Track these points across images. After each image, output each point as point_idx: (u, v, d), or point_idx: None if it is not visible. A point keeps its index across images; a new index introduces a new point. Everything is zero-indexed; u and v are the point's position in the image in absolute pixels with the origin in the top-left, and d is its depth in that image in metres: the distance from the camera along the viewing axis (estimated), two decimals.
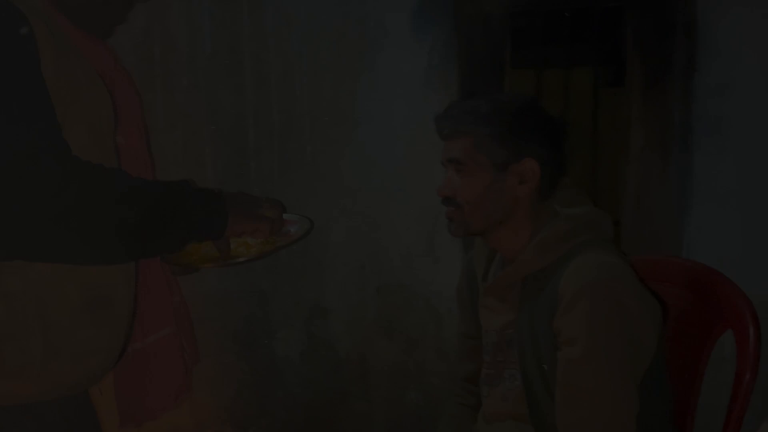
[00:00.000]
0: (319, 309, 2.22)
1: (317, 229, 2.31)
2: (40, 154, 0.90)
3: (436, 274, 2.14)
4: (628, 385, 1.25)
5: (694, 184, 1.93)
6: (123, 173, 1.05)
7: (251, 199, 1.13)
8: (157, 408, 1.25)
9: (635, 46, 2.04)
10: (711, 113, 1.89)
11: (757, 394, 1.32)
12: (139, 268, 1.16)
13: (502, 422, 1.42)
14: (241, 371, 2.30)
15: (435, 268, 2.14)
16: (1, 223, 0.89)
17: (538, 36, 2.24)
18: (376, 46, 2.09)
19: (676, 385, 1.57)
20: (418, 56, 2.07)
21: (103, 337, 1.06)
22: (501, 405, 1.43)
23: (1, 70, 0.91)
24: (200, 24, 2.17)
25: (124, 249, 0.99)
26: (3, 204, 0.88)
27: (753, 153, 1.86)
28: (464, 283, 1.60)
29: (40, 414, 1.02)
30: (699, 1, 1.86)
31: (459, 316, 1.66)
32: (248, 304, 2.27)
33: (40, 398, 1.01)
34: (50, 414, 1.04)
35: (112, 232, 0.94)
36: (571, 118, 2.28)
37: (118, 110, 1.12)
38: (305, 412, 2.28)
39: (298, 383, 2.29)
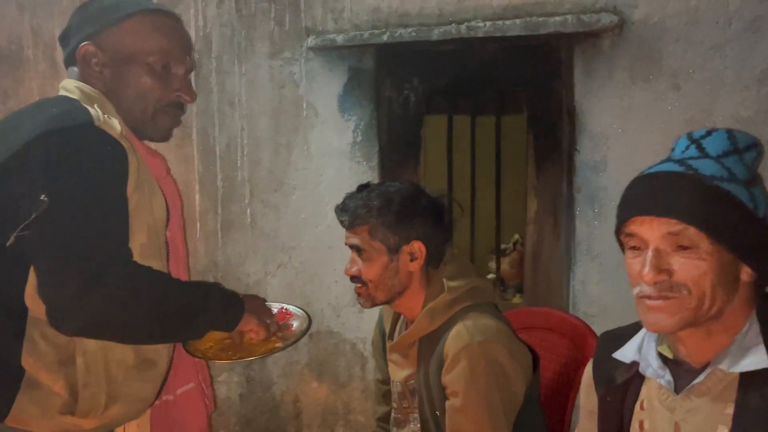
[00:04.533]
0: None
1: (257, 282, 2.60)
2: (111, 262, 1.17)
3: (361, 322, 2.42)
4: (502, 427, 1.51)
5: (576, 245, 2.26)
6: (165, 275, 1.32)
7: (262, 306, 1.44)
8: None
9: (530, 126, 2.39)
10: (590, 186, 2.23)
11: None
12: None
13: None
14: None
15: (360, 317, 2.43)
16: (72, 306, 1.15)
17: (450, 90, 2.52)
18: (308, 124, 2.41)
19: (554, 413, 1.87)
20: (345, 133, 2.39)
21: (147, 388, 1.34)
22: None
23: (101, 189, 1.20)
24: None
25: (161, 334, 1.28)
26: (80, 295, 1.15)
27: None
28: (377, 337, 1.86)
29: None
30: (577, 90, 2.22)
31: (375, 365, 1.91)
32: None
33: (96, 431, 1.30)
34: None
35: (153, 322, 1.22)
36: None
37: (169, 211, 1.39)
38: None
39: (238, 422, 2.52)
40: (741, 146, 1.11)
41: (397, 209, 1.58)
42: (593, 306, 2.25)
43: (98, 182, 1.20)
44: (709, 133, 1.14)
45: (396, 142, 2.44)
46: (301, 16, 2.39)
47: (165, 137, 1.44)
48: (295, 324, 1.55)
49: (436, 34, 2.25)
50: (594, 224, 2.23)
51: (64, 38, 1.41)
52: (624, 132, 2.17)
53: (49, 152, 1.16)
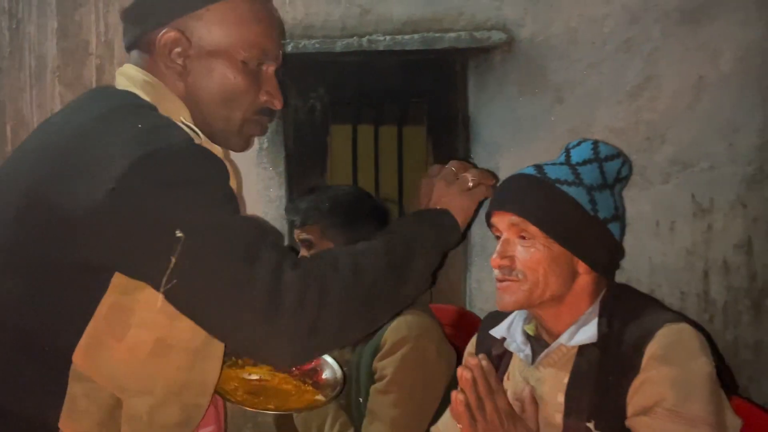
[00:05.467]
0: None
1: None
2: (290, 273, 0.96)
3: None
4: (419, 415, 1.63)
5: (472, 247, 2.42)
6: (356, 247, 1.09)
7: (444, 187, 1.17)
8: None
9: (429, 135, 2.54)
10: None
11: None
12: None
13: None
14: None
15: None
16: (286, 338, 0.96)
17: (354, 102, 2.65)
18: None
19: None
20: None
21: None
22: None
23: (228, 209, 0.99)
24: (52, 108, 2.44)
25: (415, 287, 1.09)
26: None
27: None
28: None
29: None
30: (471, 102, 2.38)
31: None
32: None
33: None
34: None
35: (385, 283, 1.03)
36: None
37: None
38: None
39: None
40: (602, 156, 1.28)
41: (345, 211, 1.72)
42: (488, 302, 2.40)
43: (222, 204, 0.98)
44: (579, 143, 1.32)
45: (302, 149, 2.51)
46: None
47: (245, 148, 1.21)
48: (326, 373, 1.43)
49: (339, 46, 2.36)
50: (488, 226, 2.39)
51: (133, 15, 1.14)
52: (514, 141, 2.34)
53: (156, 178, 0.94)
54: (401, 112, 2.65)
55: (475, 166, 1.25)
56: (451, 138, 2.49)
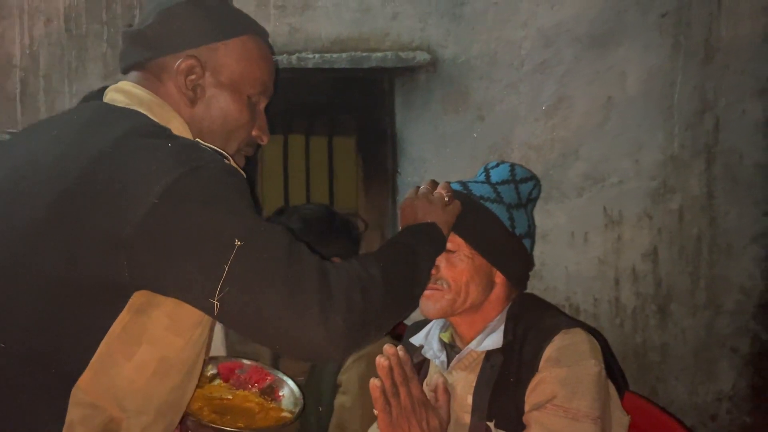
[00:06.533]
0: None
1: None
2: (325, 272, 1.02)
3: None
4: None
5: None
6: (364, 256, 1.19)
7: (426, 205, 1.26)
8: None
9: (359, 149, 2.61)
10: None
11: None
12: None
13: None
14: None
15: None
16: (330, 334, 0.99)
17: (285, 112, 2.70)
18: None
19: None
20: None
21: None
22: None
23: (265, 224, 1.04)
24: None
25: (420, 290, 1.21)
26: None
27: None
28: None
29: None
30: (398, 118, 2.47)
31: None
32: None
33: None
34: None
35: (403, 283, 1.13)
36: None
37: None
38: None
39: None
40: (518, 178, 1.38)
41: (317, 230, 1.75)
42: (415, 312, 2.49)
43: (256, 215, 1.04)
44: (498, 164, 1.42)
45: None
46: None
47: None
48: (283, 390, 1.44)
49: None
50: None
51: (146, 39, 1.14)
52: (438, 156, 2.45)
53: (199, 193, 0.96)
54: (331, 127, 2.72)
55: (447, 183, 1.35)
56: (379, 152, 2.57)
